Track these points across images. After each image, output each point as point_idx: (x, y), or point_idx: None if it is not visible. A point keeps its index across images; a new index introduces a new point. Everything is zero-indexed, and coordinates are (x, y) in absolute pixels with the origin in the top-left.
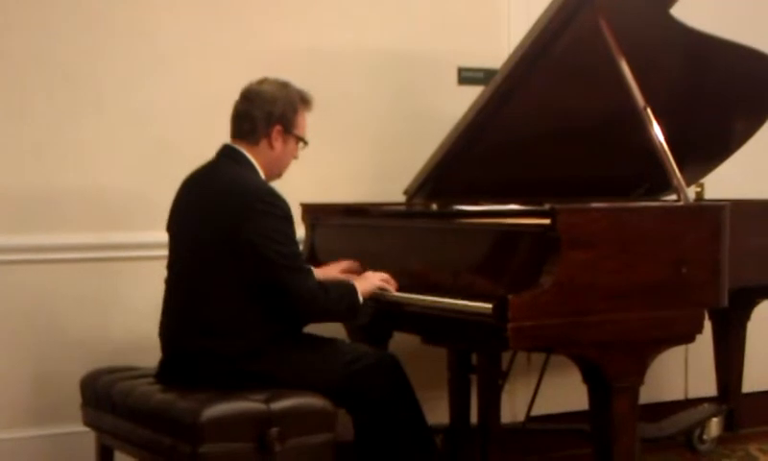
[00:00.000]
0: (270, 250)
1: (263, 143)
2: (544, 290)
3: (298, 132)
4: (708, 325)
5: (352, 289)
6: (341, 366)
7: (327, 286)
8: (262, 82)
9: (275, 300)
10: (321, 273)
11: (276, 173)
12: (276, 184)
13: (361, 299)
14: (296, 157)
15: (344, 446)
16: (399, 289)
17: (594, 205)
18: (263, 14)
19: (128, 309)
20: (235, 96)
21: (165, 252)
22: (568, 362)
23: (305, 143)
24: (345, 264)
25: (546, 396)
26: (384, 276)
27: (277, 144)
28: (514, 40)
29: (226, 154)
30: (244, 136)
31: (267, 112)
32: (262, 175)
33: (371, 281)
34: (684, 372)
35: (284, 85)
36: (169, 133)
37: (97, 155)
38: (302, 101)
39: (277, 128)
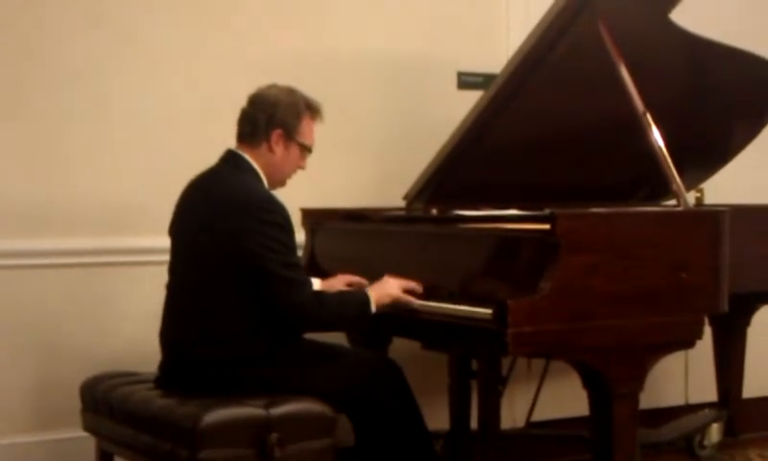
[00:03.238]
0: (266, 259)
1: (263, 147)
2: (544, 295)
3: (300, 138)
4: (708, 330)
5: (360, 300)
6: (341, 371)
7: (325, 299)
8: (271, 87)
9: (272, 307)
10: (326, 285)
11: (279, 180)
12: (276, 189)
13: (374, 308)
14: (302, 168)
15: (344, 451)
16: None
17: (594, 210)
18: (263, 20)
19: (127, 314)
20: (234, 101)
21: (165, 257)
22: (568, 368)
23: (309, 151)
24: (347, 278)
25: (546, 401)
26: (405, 284)
27: (278, 149)
28: (513, 45)
29: (228, 159)
30: (245, 139)
31: (268, 115)
32: (264, 181)
33: (388, 292)
34: (684, 377)
35: (291, 91)
36: (167, 137)
37: (95, 159)
38: (308, 108)
39: (278, 131)
